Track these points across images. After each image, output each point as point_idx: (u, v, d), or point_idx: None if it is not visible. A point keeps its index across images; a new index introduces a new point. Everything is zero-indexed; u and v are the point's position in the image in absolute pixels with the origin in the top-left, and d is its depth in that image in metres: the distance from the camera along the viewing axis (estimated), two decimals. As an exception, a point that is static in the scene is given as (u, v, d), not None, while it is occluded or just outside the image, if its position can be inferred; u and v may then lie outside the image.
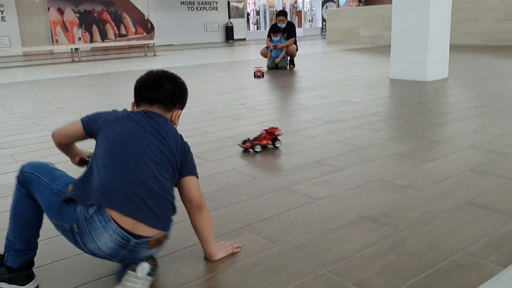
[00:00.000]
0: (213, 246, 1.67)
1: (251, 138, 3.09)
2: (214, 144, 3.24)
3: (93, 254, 1.43)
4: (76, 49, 12.35)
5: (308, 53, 11.63)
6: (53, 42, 16.31)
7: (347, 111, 4.23)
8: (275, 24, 8.26)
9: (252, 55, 11.88)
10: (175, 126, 1.72)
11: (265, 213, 2.06)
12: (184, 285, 1.52)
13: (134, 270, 1.38)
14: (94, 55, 14.30)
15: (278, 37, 8.13)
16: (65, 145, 1.73)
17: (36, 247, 1.55)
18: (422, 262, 1.60)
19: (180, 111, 1.75)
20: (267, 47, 8.36)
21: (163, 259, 1.68)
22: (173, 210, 1.55)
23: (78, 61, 11.66)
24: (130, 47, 16.66)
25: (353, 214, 2.01)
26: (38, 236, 1.54)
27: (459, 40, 11.68)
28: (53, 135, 1.70)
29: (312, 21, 24.70)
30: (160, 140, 1.55)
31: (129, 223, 1.39)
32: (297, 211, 2.07)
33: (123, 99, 5.45)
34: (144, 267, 1.39)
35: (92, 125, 1.61)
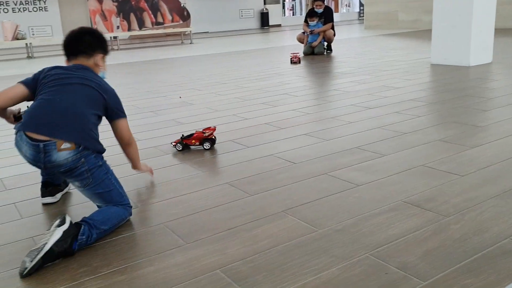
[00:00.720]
0: (138, 163, 2.27)
1: (185, 135, 2.92)
2: (252, 130, 3.27)
3: (30, 163, 1.87)
4: (115, 37, 12.60)
5: (346, 38, 11.45)
6: (92, 31, 16.65)
7: (387, 96, 4.16)
8: (312, 8, 8.16)
9: (288, 41, 11.81)
10: (101, 69, 2.11)
11: (305, 198, 2.07)
12: (228, 265, 1.56)
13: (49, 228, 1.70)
14: (132, 43, 14.56)
15: (315, 22, 8.03)
16: (4, 109, 2.03)
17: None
18: (468, 248, 1.58)
19: (101, 55, 2.10)
20: (303, 33, 8.28)
21: (206, 240, 1.73)
22: (86, 126, 1.89)
23: (117, 49, 11.90)
24: (167, 35, 16.85)
25: (396, 199, 2.00)
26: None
27: (505, 23, 11.22)
28: None
29: (349, 6, 24.26)
30: (85, 83, 1.94)
31: (36, 136, 1.81)
32: (337, 196, 2.07)
33: (161, 86, 5.55)
34: (55, 223, 1.69)
35: (34, 82, 1.98)
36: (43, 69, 2.01)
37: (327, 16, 8.05)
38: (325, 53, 8.08)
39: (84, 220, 1.77)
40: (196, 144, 2.87)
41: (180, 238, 1.76)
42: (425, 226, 1.75)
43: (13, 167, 2.73)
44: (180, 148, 2.87)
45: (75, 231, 1.69)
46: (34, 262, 1.56)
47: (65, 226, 1.67)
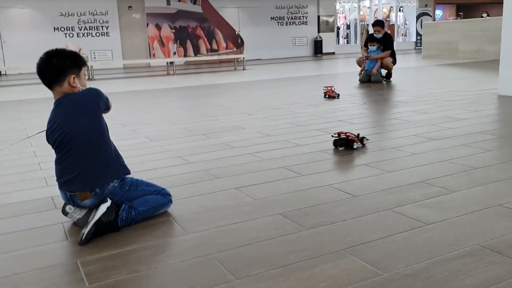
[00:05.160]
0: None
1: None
2: (306, 158, 3.10)
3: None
4: (171, 62, 12.91)
5: (403, 67, 11.12)
6: (150, 56, 17.22)
7: (452, 128, 3.89)
8: (372, 34, 7.95)
9: (341, 69, 11.64)
10: (77, 88, 2.05)
11: (368, 236, 1.87)
12: (282, 308, 1.39)
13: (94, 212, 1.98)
14: (187, 68, 14.86)
15: (375, 48, 7.78)
16: None
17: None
18: None
19: (73, 75, 2.03)
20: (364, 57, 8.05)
21: (258, 276, 1.57)
22: (99, 167, 2.06)
23: (173, 74, 12.15)
24: (221, 61, 17.14)
25: (471, 243, 1.77)
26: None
27: None
28: None
29: (405, 35, 23.82)
30: (76, 126, 2.02)
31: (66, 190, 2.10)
32: (404, 235, 1.86)
33: (214, 109, 5.51)
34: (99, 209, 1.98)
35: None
36: (46, 132, 2.09)
37: (385, 43, 7.80)
38: (382, 81, 7.81)
39: (125, 202, 2.09)
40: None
41: (229, 273, 1.61)
42: (511, 277, 1.51)
43: (64, 186, 2.70)
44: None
45: (116, 208, 2.01)
46: (88, 228, 1.88)
47: (108, 203, 2.00)
